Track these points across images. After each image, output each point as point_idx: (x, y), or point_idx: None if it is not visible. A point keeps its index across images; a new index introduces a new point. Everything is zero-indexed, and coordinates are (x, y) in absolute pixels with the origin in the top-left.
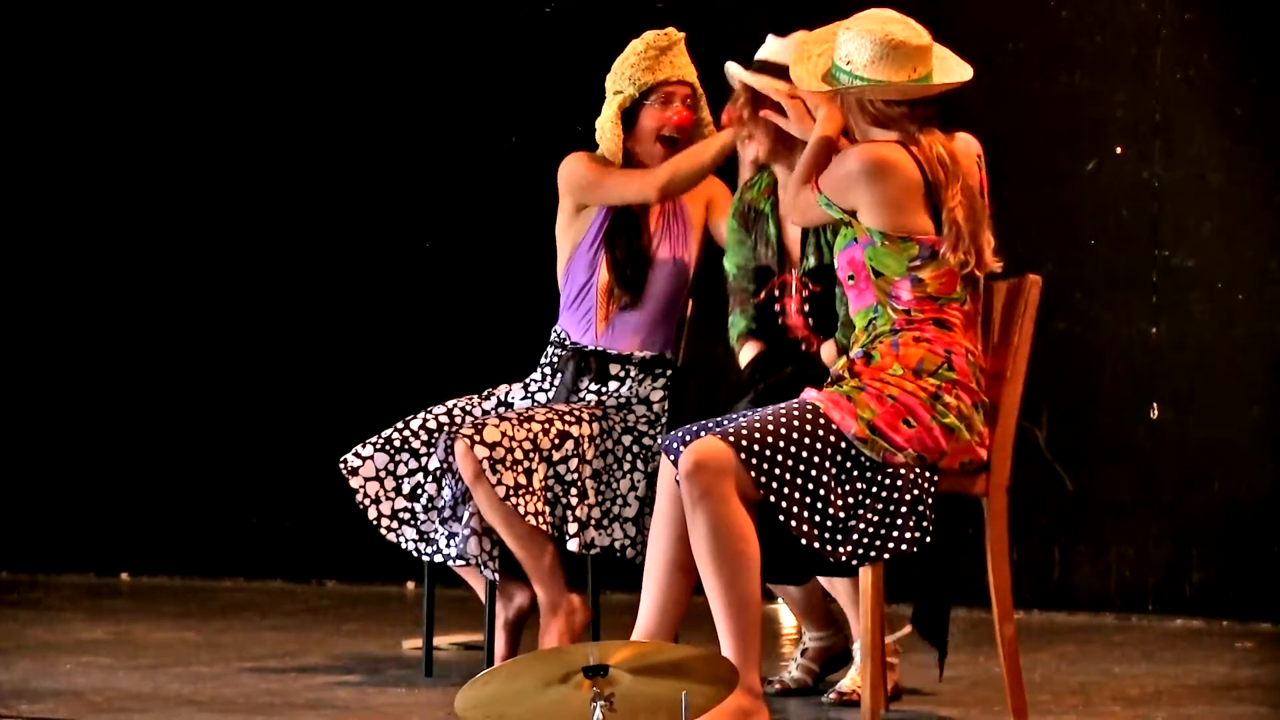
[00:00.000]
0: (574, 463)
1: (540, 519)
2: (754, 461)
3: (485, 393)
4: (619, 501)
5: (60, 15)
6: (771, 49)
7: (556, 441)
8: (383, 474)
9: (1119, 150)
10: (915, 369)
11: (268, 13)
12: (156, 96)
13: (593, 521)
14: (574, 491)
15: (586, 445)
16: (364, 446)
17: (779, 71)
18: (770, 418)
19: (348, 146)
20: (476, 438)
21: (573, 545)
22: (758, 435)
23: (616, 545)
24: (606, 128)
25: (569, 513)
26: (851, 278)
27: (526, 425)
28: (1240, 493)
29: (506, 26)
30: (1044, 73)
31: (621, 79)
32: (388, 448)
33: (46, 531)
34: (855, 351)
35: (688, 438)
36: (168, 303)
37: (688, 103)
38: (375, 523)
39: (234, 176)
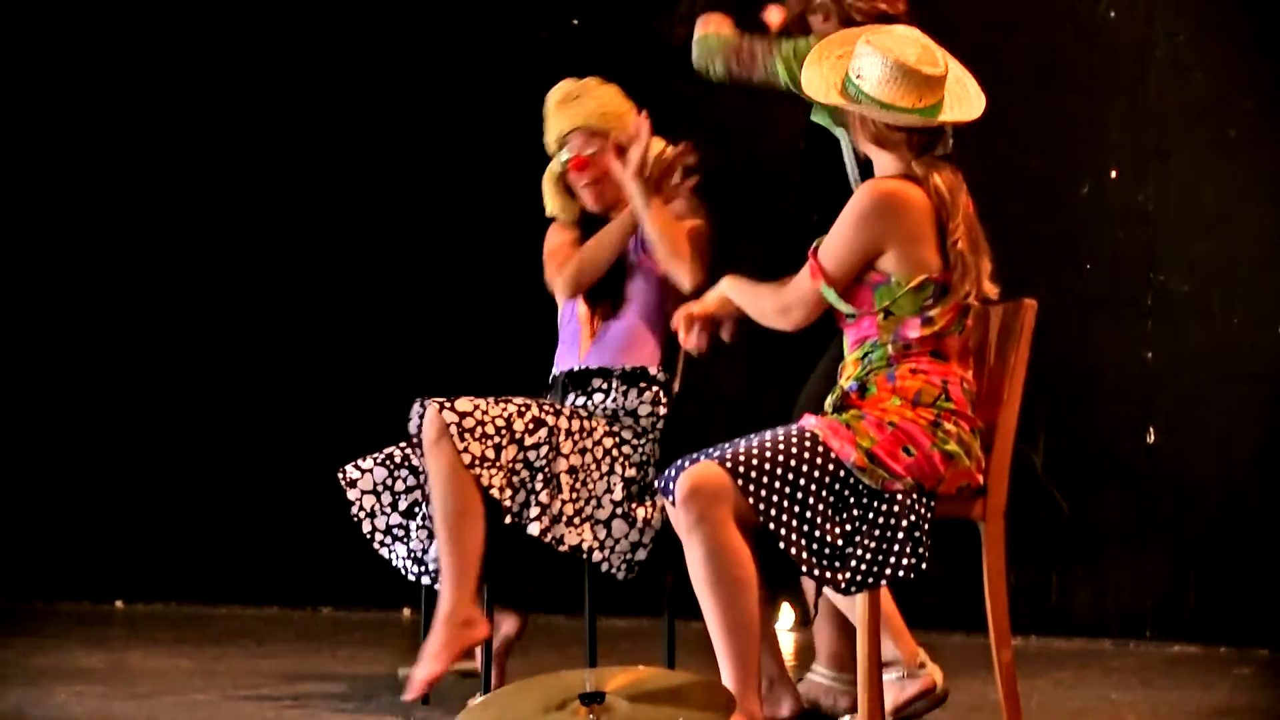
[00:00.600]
0: (545, 450)
1: (501, 494)
2: (750, 487)
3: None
4: (593, 502)
5: (47, 32)
6: None
7: (531, 427)
8: (380, 488)
9: (1114, 174)
10: (913, 400)
11: (264, 54)
12: (143, 133)
13: (564, 518)
14: (540, 479)
15: (563, 438)
16: (365, 460)
17: None
18: (768, 444)
19: (347, 165)
20: (448, 404)
21: (533, 529)
22: (754, 461)
23: (584, 546)
24: (545, 189)
25: (533, 498)
26: (852, 316)
27: (502, 404)
28: (1237, 517)
29: (528, 48)
30: (1039, 96)
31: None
32: (388, 463)
33: (41, 559)
34: (849, 384)
35: (685, 464)
36: (164, 329)
37: (588, 150)
38: (369, 536)
39: (231, 201)
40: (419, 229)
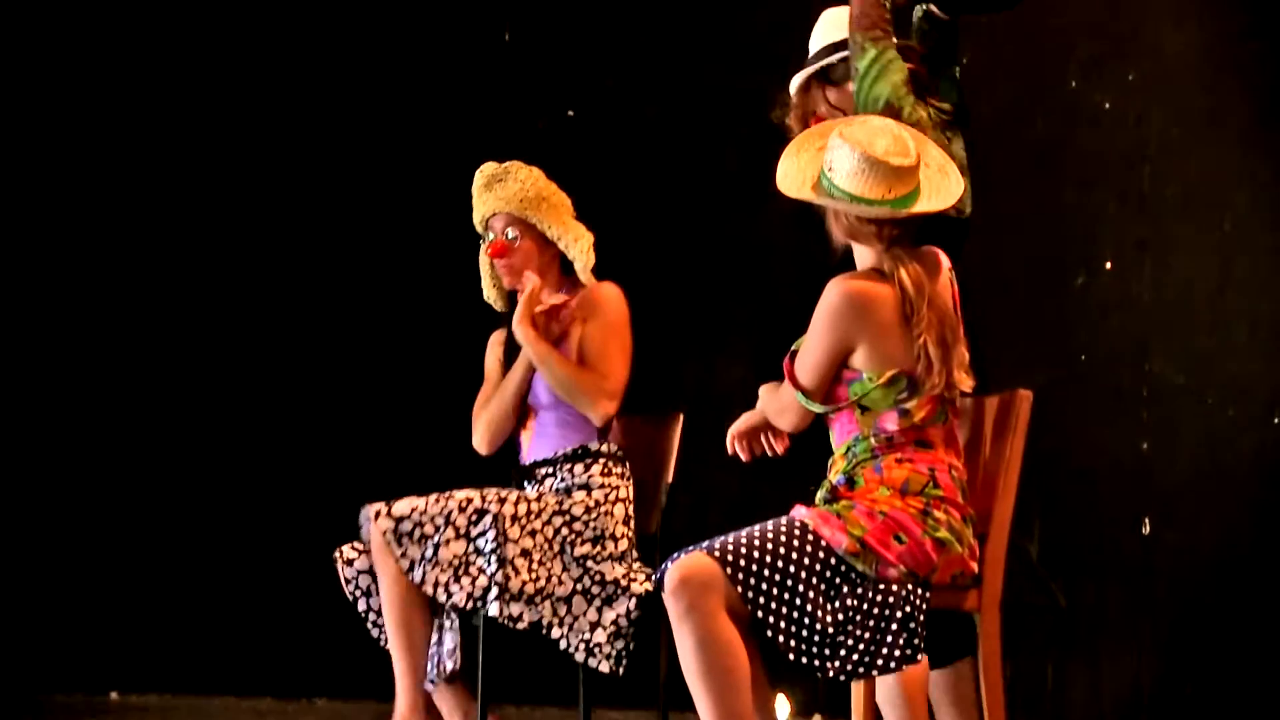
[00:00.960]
0: (493, 535)
1: (442, 590)
2: (740, 576)
3: None
4: (552, 580)
5: (45, 32)
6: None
7: (474, 518)
8: (374, 569)
9: (1108, 265)
10: (901, 489)
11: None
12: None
13: (523, 596)
14: (495, 561)
15: (509, 524)
16: (360, 542)
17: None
18: (757, 534)
19: (320, 269)
20: (385, 509)
21: (493, 609)
22: (744, 551)
23: (544, 622)
24: (482, 268)
25: (488, 579)
26: (831, 412)
27: (442, 502)
28: (1232, 609)
29: (524, 138)
30: (1034, 188)
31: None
32: None
33: (35, 650)
34: (837, 478)
35: (678, 555)
36: (151, 417)
37: (507, 234)
38: (364, 616)
39: (216, 277)
40: (402, 316)
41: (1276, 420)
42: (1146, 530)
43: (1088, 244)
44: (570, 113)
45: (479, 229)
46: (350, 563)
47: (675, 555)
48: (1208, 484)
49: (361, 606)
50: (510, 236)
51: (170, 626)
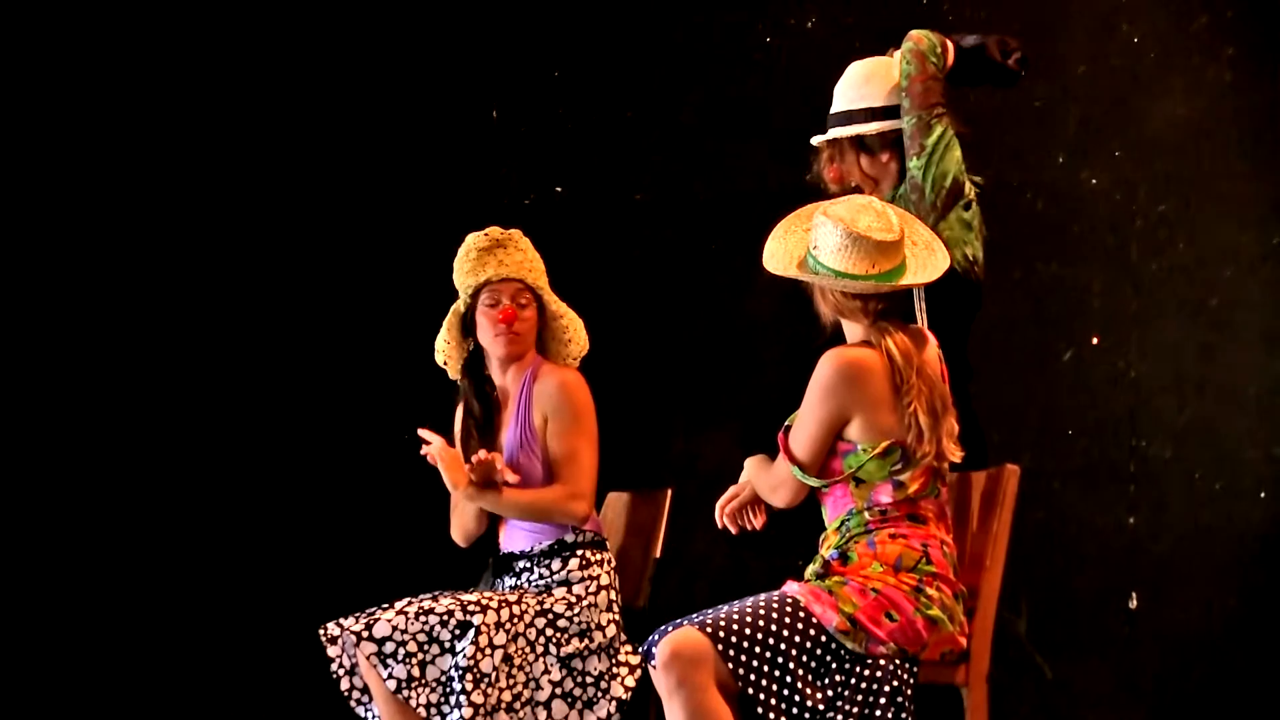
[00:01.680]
0: (472, 650)
1: (432, 710)
2: (731, 653)
3: (471, 589)
4: (531, 684)
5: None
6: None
7: (457, 632)
8: None
9: (1095, 340)
10: (895, 565)
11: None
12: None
13: (504, 705)
14: (470, 679)
15: (493, 632)
16: (346, 618)
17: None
18: (749, 609)
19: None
20: (365, 634)
21: None
22: (735, 626)
23: None
24: (439, 343)
25: (464, 698)
26: (825, 486)
27: (423, 618)
28: (1218, 683)
29: (514, 214)
30: (1020, 262)
31: (457, 286)
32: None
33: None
34: (830, 553)
35: (667, 628)
36: (129, 477)
37: (519, 300)
38: (346, 694)
39: (195, 360)
40: (383, 389)
41: (1264, 495)
42: (1134, 604)
43: (1075, 318)
44: (559, 189)
45: (466, 293)
46: (334, 640)
47: (665, 628)
48: (1195, 558)
49: (345, 685)
50: (521, 304)
51: (154, 691)
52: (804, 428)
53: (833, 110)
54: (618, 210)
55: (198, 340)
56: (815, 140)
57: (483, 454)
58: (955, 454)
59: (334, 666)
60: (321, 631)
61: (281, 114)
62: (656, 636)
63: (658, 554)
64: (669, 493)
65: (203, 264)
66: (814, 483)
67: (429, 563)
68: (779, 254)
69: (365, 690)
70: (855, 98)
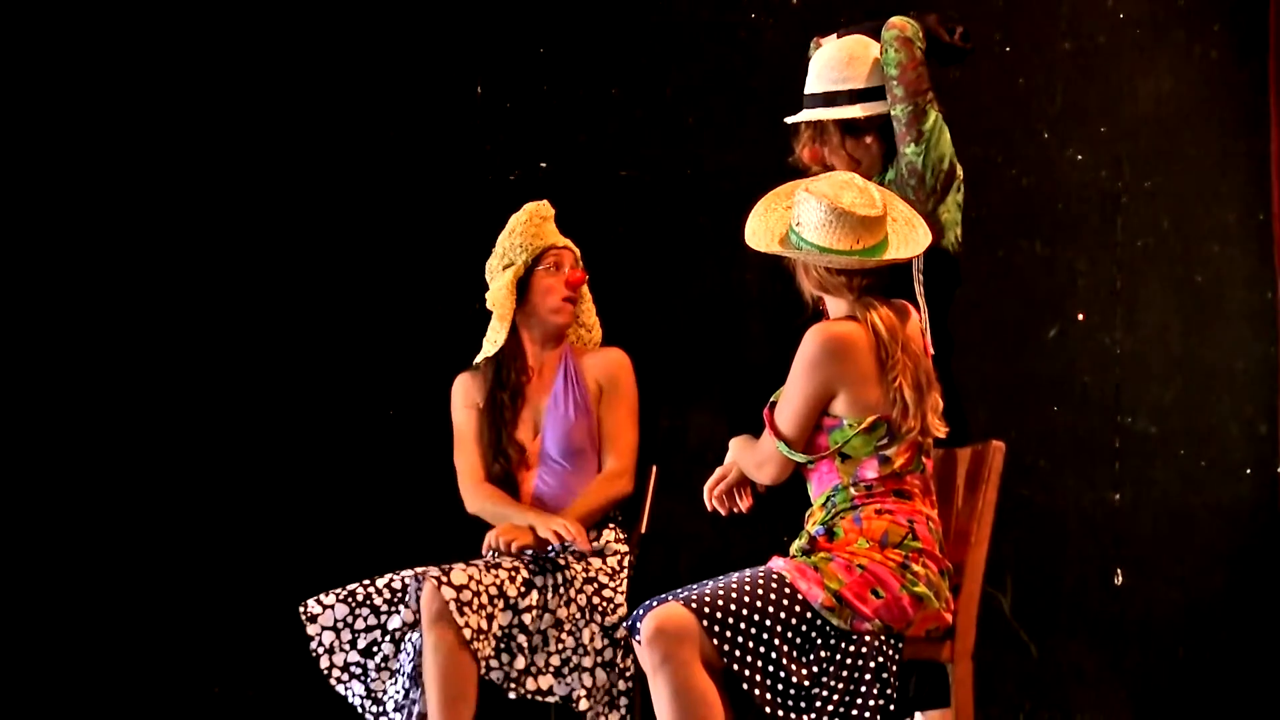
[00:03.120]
0: (536, 611)
1: (489, 663)
2: (716, 629)
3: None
4: (580, 651)
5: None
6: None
7: (522, 590)
8: (340, 625)
9: (1080, 317)
10: (880, 541)
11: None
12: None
13: (551, 669)
14: (538, 639)
15: (551, 595)
16: (326, 595)
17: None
18: (735, 586)
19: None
20: (444, 579)
21: (530, 684)
22: (721, 603)
23: (574, 695)
24: (500, 297)
25: (522, 658)
26: (810, 463)
27: (494, 571)
28: (1204, 659)
29: (498, 190)
30: (1005, 239)
31: (512, 250)
32: (350, 600)
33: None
34: (815, 529)
35: (654, 604)
36: (125, 460)
37: (576, 265)
38: (326, 672)
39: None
40: (390, 364)
41: (1249, 471)
42: (1119, 581)
43: (1060, 295)
44: (543, 165)
45: (529, 256)
46: (314, 619)
47: (649, 603)
48: (1180, 535)
49: (324, 664)
50: (580, 269)
51: (140, 679)
52: (789, 403)
53: (812, 90)
54: (602, 187)
55: (176, 321)
56: (796, 119)
57: (565, 531)
58: (940, 429)
59: (313, 645)
60: (302, 609)
61: (264, 94)
62: (641, 612)
63: (643, 529)
64: (654, 469)
65: (178, 245)
66: (799, 458)
67: (409, 539)
68: (760, 231)
69: (345, 669)
70: (838, 79)
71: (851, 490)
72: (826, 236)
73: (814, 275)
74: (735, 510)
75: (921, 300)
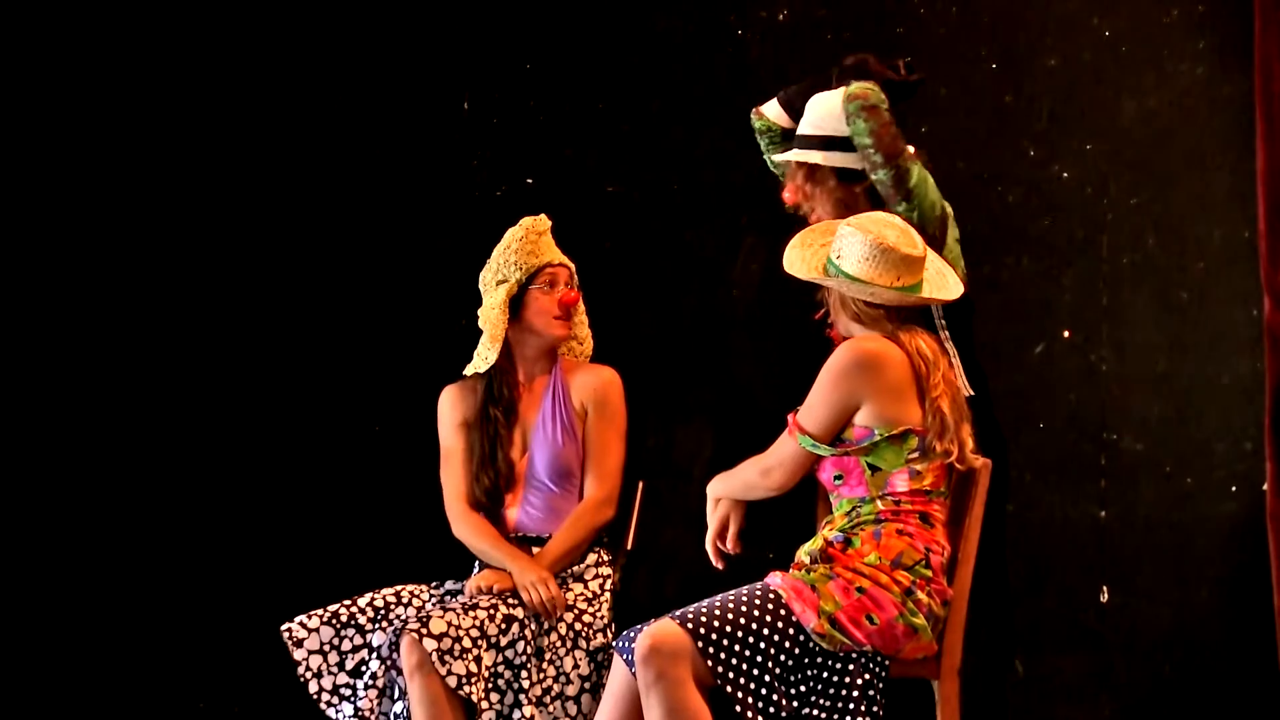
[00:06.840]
0: (520, 645)
1: (488, 702)
2: (710, 649)
3: (435, 583)
4: (561, 679)
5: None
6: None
7: (503, 626)
8: (327, 648)
9: (1067, 334)
10: (894, 561)
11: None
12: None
13: (533, 699)
14: (523, 675)
15: (532, 624)
16: (309, 618)
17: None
18: (731, 604)
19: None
20: (424, 630)
21: (515, 716)
22: (715, 622)
23: None
24: (494, 317)
25: (520, 695)
26: (839, 478)
27: (472, 613)
28: (1190, 676)
29: (486, 205)
30: (991, 256)
31: (506, 266)
32: (334, 621)
33: None
34: (833, 535)
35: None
36: (112, 475)
37: (569, 283)
38: (315, 697)
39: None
40: (375, 380)
41: (1235, 489)
42: (1104, 598)
43: (1046, 312)
44: (530, 181)
45: (523, 274)
46: (300, 643)
47: (633, 632)
48: (1166, 552)
49: (313, 688)
50: (579, 286)
51: (125, 695)
52: (812, 409)
53: (809, 131)
54: (589, 202)
55: (162, 335)
56: (788, 158)
57: (543, 596)
58: (976, 461)
59: (301, 670)
60: (286, 632)
61: (253, 110)
62: (632, 632)
63: (629, 546)
64: (640, 485)
65: (165, 257)
66: (825, 451)
67: (395, 555)
68: (797, 261)
69: (335, 691)
70: (840, 126)
71: (879, 504)
72: (868, 270)
73: (850, 308)
74: (730, 554)
75: (949, 344)
